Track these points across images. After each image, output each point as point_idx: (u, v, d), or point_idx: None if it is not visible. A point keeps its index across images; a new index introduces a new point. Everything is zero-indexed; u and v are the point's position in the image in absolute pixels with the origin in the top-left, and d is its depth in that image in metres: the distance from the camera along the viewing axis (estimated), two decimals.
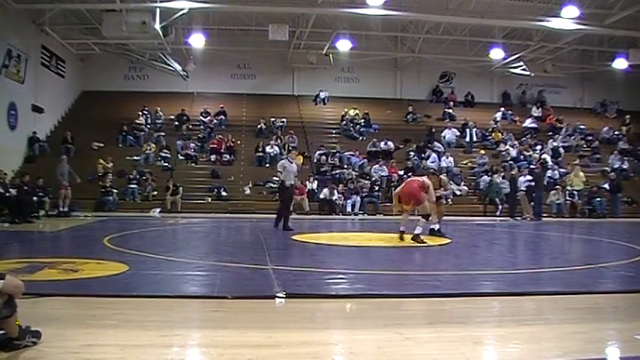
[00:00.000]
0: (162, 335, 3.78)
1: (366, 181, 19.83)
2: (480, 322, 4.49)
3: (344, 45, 21.80)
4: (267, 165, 20.93)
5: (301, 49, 23.41)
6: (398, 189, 10.60)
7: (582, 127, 24.60)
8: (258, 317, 4.45)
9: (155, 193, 18.68)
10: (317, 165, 21.11)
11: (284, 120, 23.28)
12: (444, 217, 11.57)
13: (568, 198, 19.50)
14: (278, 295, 5.03)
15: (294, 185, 12.78)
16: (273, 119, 23.16)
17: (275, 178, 12.77)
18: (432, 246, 9.59)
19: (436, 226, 10.74)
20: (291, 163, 12.26)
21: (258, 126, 22.86)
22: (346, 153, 21.46)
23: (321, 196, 18.90)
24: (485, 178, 20.12)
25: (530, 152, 21.86)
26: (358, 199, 19.04)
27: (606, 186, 19.96)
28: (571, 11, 17.39)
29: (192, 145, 21.51)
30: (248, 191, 19.45)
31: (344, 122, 23.83)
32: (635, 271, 6.94)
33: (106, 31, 16.97)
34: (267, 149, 21.24)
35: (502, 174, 19.85)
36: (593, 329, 4.18)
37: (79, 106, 23.58)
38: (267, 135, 22.50)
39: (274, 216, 12.42)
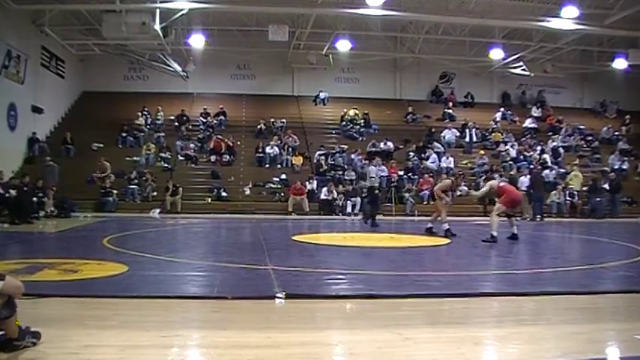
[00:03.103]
0: (162, 336, 3.78)
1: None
2: (479, 322, 4.49)
3: (344, 45, 21.79)
4: (267, 165, 20.94)
5: (301, 50, 23.41)
6: (501, 189, 10.40)
7: (582, 127, 24.59)
8: (257, 318, 4.45)
9: (155, 193, 18.67)
10: (317, 165, 21.10)
11: (284, 120, 23.27)
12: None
13: (568, 198, 19.49)
14: (278, 295, 5.02)
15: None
16: (272, 120, 23.15)
17: (366, 183, 14.83)
18: (432, 246, 9.59)
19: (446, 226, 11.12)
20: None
21: (258, 126, 22.85)
22: (345, 153, 21.42)
23: (322, 196, 18.89)
24: None
25: (531, 152, 21.83)
26: (358, 199, 19.01)
27: (606, 186, 19.93)
28: (571, 11, 17.38)
29: (191, 145, 21.51)
30: (248, 192, 19.44)
31: (344, 122, 23.82)
32: (635, 271, 6.93)
33: (106, 32, 16.98)
34: (267, 150, 21.23)
35: (502, 174, 19.78)
36: (593, 329, 4.18)
37: (79, 106, 23.57)
38: (267, 135, 22.49)
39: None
